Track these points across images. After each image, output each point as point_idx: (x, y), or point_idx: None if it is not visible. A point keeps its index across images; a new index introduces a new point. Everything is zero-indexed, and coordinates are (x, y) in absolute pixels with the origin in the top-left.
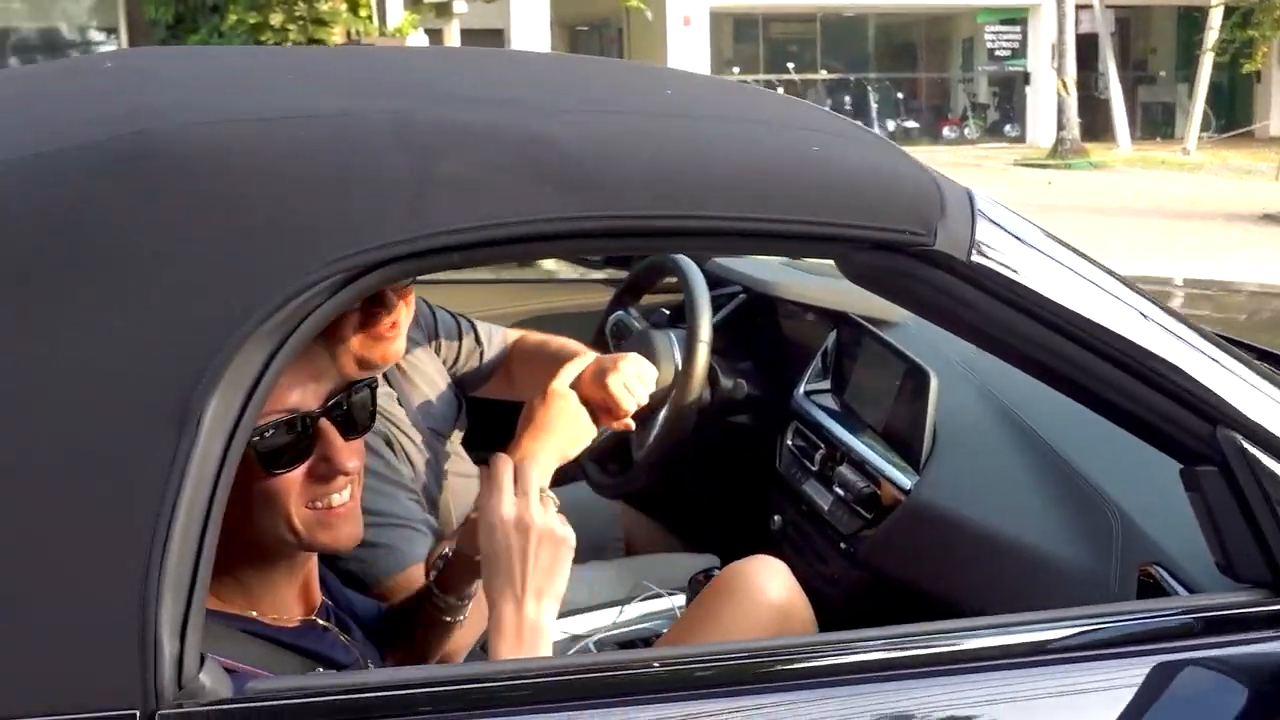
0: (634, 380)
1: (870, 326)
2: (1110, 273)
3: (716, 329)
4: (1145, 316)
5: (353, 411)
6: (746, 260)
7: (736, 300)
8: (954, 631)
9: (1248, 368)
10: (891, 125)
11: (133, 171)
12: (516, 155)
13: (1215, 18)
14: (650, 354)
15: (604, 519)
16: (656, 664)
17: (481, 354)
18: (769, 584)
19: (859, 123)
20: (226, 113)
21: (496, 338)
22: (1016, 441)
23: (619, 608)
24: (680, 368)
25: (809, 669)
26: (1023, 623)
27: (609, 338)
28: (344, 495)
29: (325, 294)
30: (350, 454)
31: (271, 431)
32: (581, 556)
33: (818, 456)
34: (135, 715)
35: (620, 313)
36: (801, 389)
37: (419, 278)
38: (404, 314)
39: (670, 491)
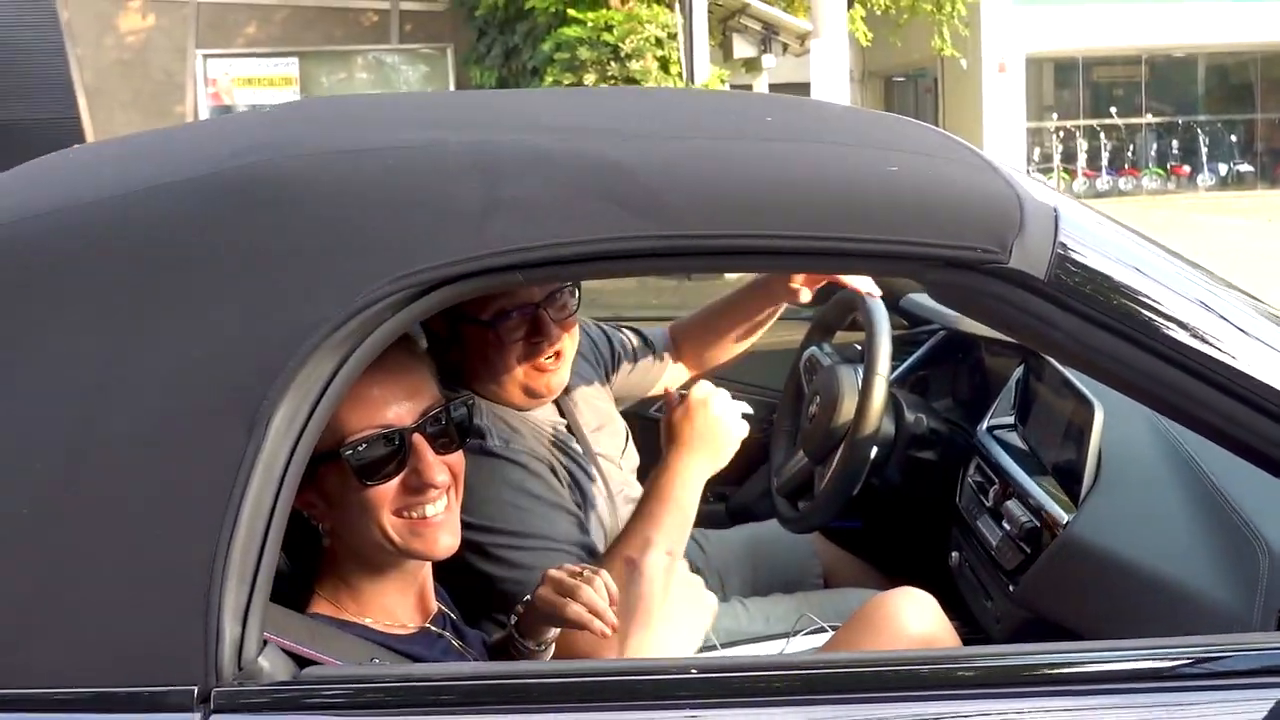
0: None
1: (1054, 362)
2: (1231, 287)
3: (915, 366)
4: (1253, 337)
5: (450, 427)
6: None
7: (936, 338)
8: (1071, 653)
9: None
10: (1224, 169)
11: (225, 198)
12: (584, 178)
13: None
14: (836, 388)
15: (804, 554)
16: (694, 670)
17: (653, 353)
18: (911, 616)
19: (965, 143)
20: (324, 147)
21: (658, 336)
22: (1178, 474)
23: (787, 639)
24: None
25: (901, 680)
26: (1142, 648)
27: (802, 373)
28: (437, 506)
29: (391, 309)
30: (442, 468)
31: (365, 446)
32: (774, 589)
33: (992, 492)
34: (194, 691)
35: (814, 349)
36: (985, 424)
37: (600, 317)
38: (567, 344)
39: (865, 527)
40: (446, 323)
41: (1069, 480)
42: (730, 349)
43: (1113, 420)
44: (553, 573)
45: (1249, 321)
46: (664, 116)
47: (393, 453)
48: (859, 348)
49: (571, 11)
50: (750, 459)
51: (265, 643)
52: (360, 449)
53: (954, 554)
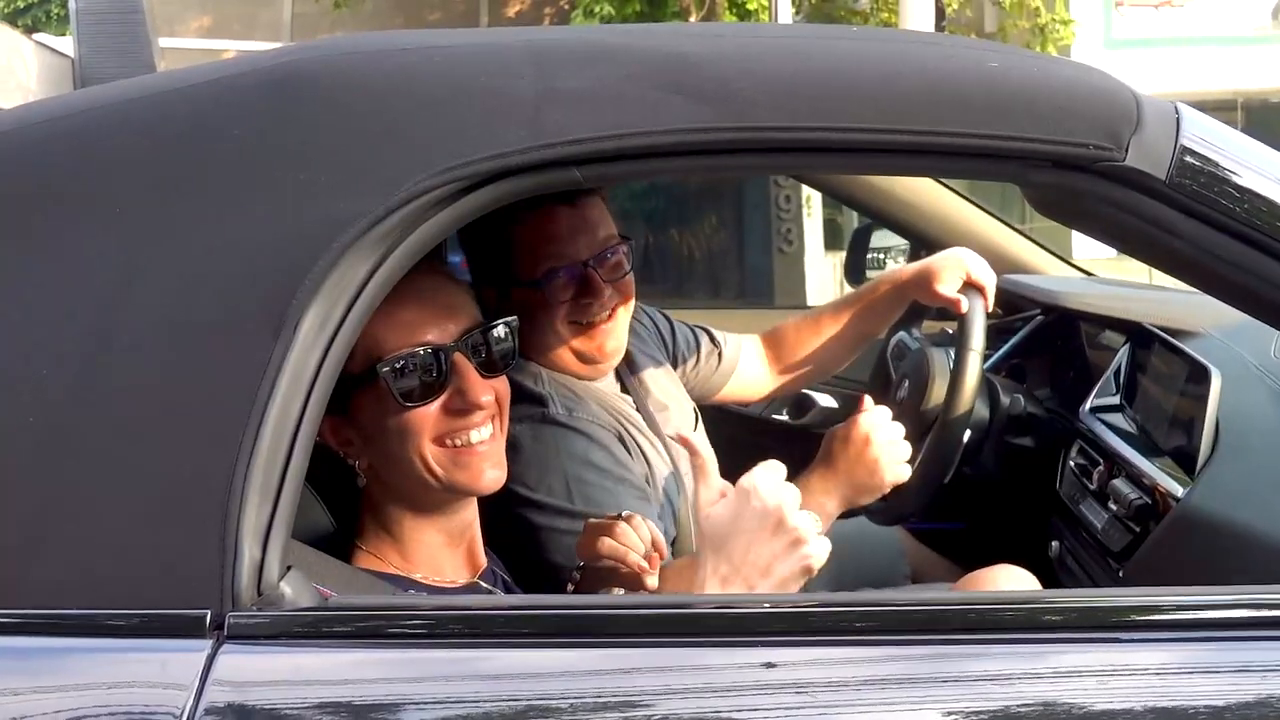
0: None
1: (1165, 335)
2: None
3: (1011, 354)
4: None
5: (492, 350)
6: (1045, 278)
7: (1034, 322)
8: (1171, 597)
9: None
10: None
11: (256, 91)
12: (646, 68)
13: None
14: (925, 370)
15: (891, 553)
16: (768, 605)
17: (720, 354)
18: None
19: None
20: (373, 47)
21: (732, 339)
22: None
23: None
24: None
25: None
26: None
27: (890, 359)
28: (482, 433)
29: (436, 204)
30: (486, 389)
31: (403, 364)
32: (860, 587)
33: (1096, 474)
34: (206, 616)
35: (901, 334)
36: (1088, 405)
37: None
38: (622, 311)
39: (953, 523)
40: (496, 289)
41: (1184, 453)
42: (839, 355)
43: (1230, 386)
44: (592, 520)
45: None
46: (735, 27)
47: (433, 372)
48: (949, 332)
49: None
50: None
51: (289, 569)
52: (398, 366)
53: (1054, 544)
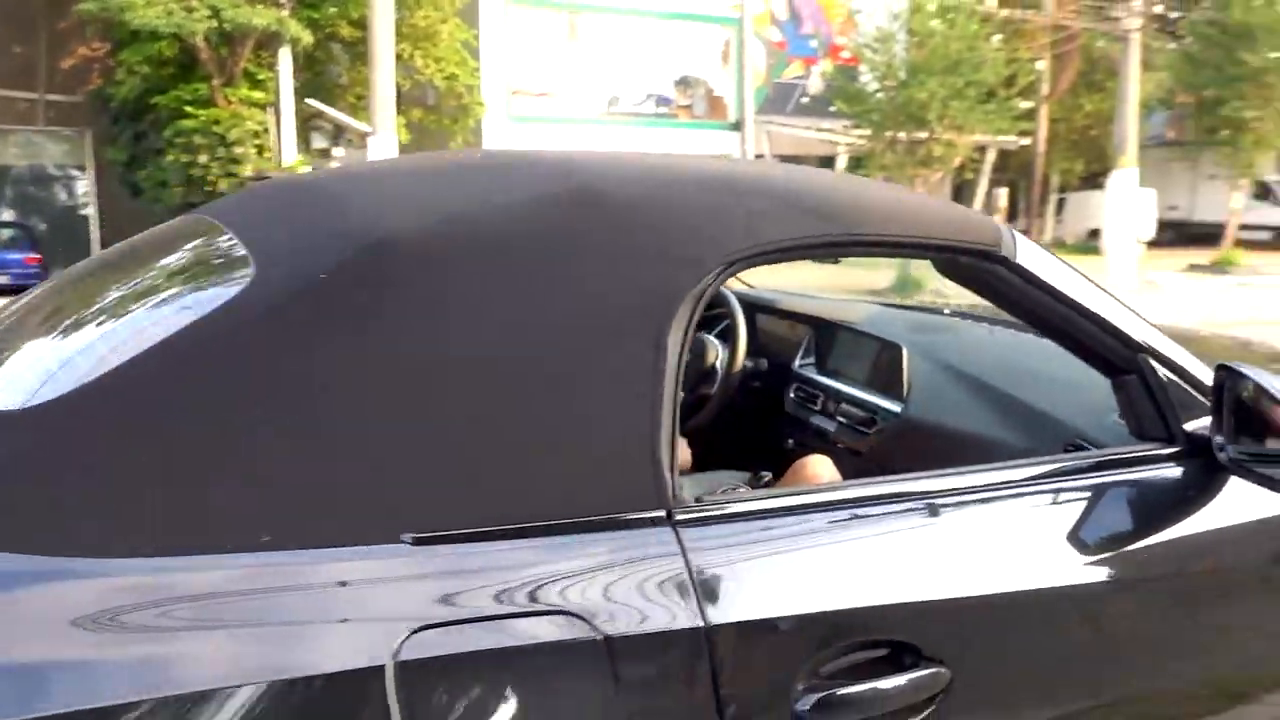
0: None
1: (836, 322)
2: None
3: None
4: (1109, 296)
5: None
6: (765, 291)
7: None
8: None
9: (1158, 330)
10: None
11: (581, 201)
12: (791, 197)
13: None
14: (702, 348)
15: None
16: None
17: None
18: (823, 470)
19: None
20: (638, 174)
21: None
22: (958, 380)
23: None
24: (724, 356)
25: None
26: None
27: None
28: None
29: (713, 279)
30: None
31: None
32: None
33: (819, 401)
34: (664, 514)
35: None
36: (796, 363)
37: None
38: None
39: (716, 433)
40: None
41: (886, 389)
42: None
43: (910, 354)
44: None
45: (1113, 295)
46: (834, 175)
47: None
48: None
49: (188, 109)
50: None
51: (682, 485)
52: None
53: (789, 440)
